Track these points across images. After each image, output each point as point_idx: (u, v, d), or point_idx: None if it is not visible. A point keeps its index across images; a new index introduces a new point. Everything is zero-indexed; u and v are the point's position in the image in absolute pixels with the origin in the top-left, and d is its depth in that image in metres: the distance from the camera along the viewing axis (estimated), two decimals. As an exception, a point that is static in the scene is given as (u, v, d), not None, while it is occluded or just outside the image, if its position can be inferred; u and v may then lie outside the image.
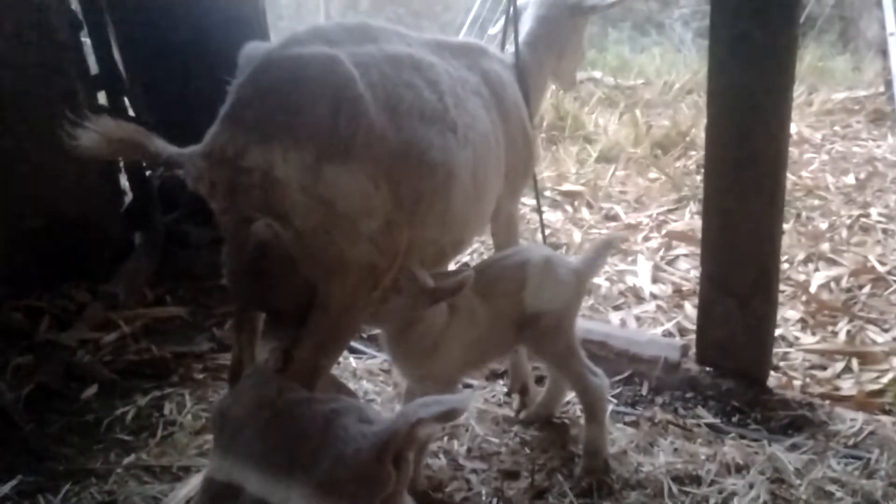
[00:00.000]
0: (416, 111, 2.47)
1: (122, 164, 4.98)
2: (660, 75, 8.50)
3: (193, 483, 2.83)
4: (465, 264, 4.11)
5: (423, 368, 2.71)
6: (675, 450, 2.88)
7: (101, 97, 4.83)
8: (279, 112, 2.20)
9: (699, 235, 4.95)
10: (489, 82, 2.94)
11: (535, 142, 3.24)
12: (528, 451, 2.98)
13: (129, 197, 5.06)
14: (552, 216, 5.42)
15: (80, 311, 4.15)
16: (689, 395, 3.29)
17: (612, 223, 5.33)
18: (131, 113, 4.90)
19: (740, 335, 3.22)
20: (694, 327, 3.87)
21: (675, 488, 2.67)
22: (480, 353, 2.82)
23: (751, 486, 2.64)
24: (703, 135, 6.57)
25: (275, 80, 2.23)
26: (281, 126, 2.19)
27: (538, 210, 3.73)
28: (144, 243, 4.82)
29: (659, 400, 3.29)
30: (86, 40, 4.77)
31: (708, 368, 3.35)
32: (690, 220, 5.26)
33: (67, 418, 3.33)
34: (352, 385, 3.50)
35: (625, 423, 3.10)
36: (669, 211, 5.47)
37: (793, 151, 6.08)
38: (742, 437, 2.98)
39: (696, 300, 4.20)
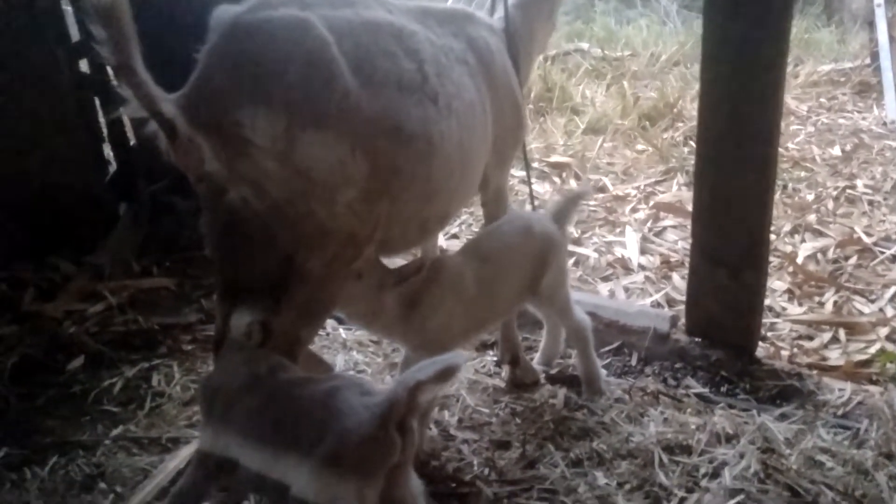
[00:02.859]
0: (392, 80, 2.40)
1: (105, 133, 4.89)
2: (646, 47, 8.42)
3: (183, 455, 2.78)
4: (454, 236, 4.05)
5: (412, 340, 2.67)
6: (666, 420, 2.87)
7: (83, 65, 4.70)
8: (249, 77, 2.13)
9: (687, 207, 4.96)
10: (476, 49, 2.86)
11: (524, 110, 3.18)
12: (518, 421, 2.96)
13: (113, 167, 4.97)
14: (540, 188, 5.37)
15: (65, 282, 4.08)
16: (678, 365, 3.27)
17: (600, 195, 5.28)
18: (114, 81, 4.77)
19: (730, 306, 3.20)
20: (682, 298, 3.87)
21: (665, 458, 2.65)
22: (477, 320, 2.78)
23: (741, 456, 2.62)
24: (689, 107, 6.59)
25: (244, 44, 2.16)
26: (251, 92, 2.12)
27: (528, 181, 3.67)
28: (130, 214, 4.73)
29: (648, 370, 3.27)
30: (67, 8, 4.65)
31: (697, 339, 3.33)
32: (678, 191, 5.23)
33: (54, 390, 3.28)
34: (341, 356, 3.47)
35: (615, 394, 3.07)
36: (657, 182, 5.43)
37: (779, 123, 6.05)
38: (731, 406, 2.97)
39: (684, 271, 4.20)
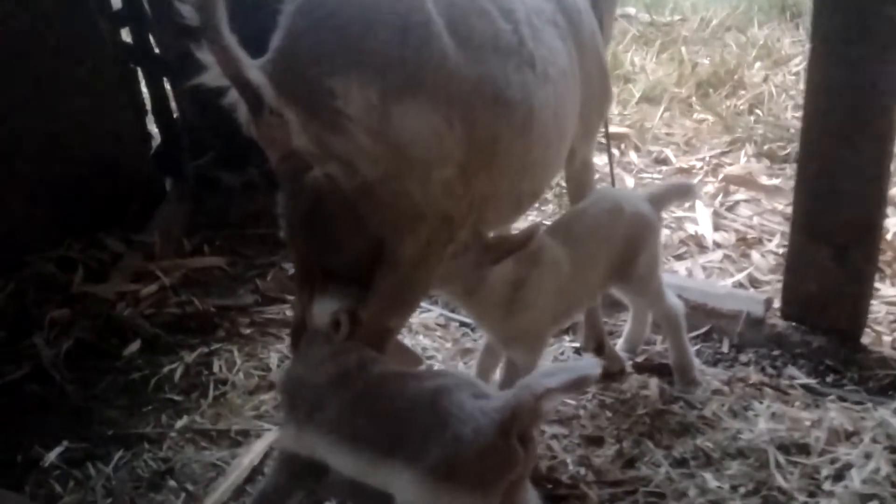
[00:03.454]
0: (489, 43, 2.17)
1: (148, 106, 4.68)
2: (696, 11, 8.04)
3: (256, 450, 2.59)
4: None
5: (507, 328, 2.44)
6: (774, 414, 2.63)
7: (125, 34, 4.48)
8: (338, 43, 1.90)
9: (759, 180, 4.71)
10: (565, 10, 2.60)
11: (609, 76, 2.92)
12: (609, 414, 2.73)
13: (156, 141, 4.77)
14: (599, 160, 5.08)
15: (115, 261, 3.89)
16: (775, 352, 3.02)
17: (664, 167, 5.00)
18: (156, 50, 4.55)
19: (834, 288, 2.95)
20: (767, 278, 3.62)
21: (781, 458, 2.42)
22: (567, 306, 2.55)
23: (867, 456, 2.39)
24: (749, 73, 6.26)
25: (332, 6, 1.93)
26: (340, 59, 1.90)
27: (608, 153, 3.42)
28: (175, 189, 4.53)
29: (743, 358, 3.03)
30: (108, -26, 4.42)
31: (795, 324, 3.08)
32: (747, 163, 4.93)
33: (112, 377, 3.09)
34: (408, 340, 3.25)
35: (712, 385, 2.83)
36: (723, 154, 5.13)
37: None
38: (842, 399, 2.72)
39: (763, 249, 3.95)
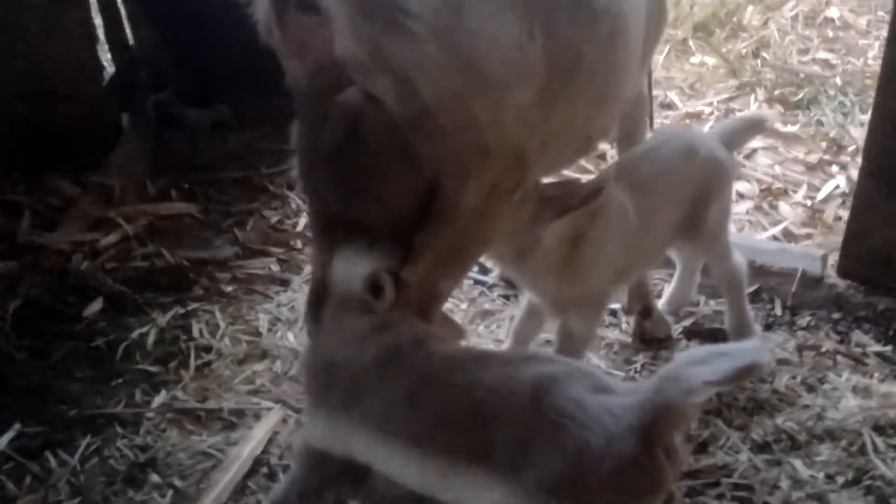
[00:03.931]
0: None
1: (99, 30, 4.06)
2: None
3: (258, 435, 2.13)
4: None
5: (563, 292, 2.02)
6: (856, 388, 2.27)
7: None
8: None
9: (776, 126, 4.35)
10: None
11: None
12: (666, 387, 2.34)
13: (110, 72, 4.15)
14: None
15: (67, 206, 3.33)
16: (835, 315, 2.66)
17: (669, 112, 4.60)
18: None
19: (906, 244, 2.59)
20: (803, 232, 3.27)
21: (879, 442, 2.07)
22: (631, 264, 2.14)
23: (980, 440, 2.05)
24: (750, 17, 5.88)
25: None
26: None
27: (648, 90, 2.99)
28: (133, 127, 3.94)
29: (801, 322, 2.66)
30: None
31: (855, 283, 2.72)
32: (758, 109, 4.56)
33: (71, 344, 2.57)
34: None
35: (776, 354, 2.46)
36: (730, 99, 4.75)
37: None
38: (924, 369, 2.38)
39: (790, 200, 3.60)
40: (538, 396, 1.33)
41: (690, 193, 2.21)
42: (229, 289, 2.92)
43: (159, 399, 2.32)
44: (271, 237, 3.24)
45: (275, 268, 3.07)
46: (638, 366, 2.44)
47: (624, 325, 2.64)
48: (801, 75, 4.85)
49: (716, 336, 2.54)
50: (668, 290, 2.68)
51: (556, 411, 1.30)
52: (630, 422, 1.27)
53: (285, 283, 2.96)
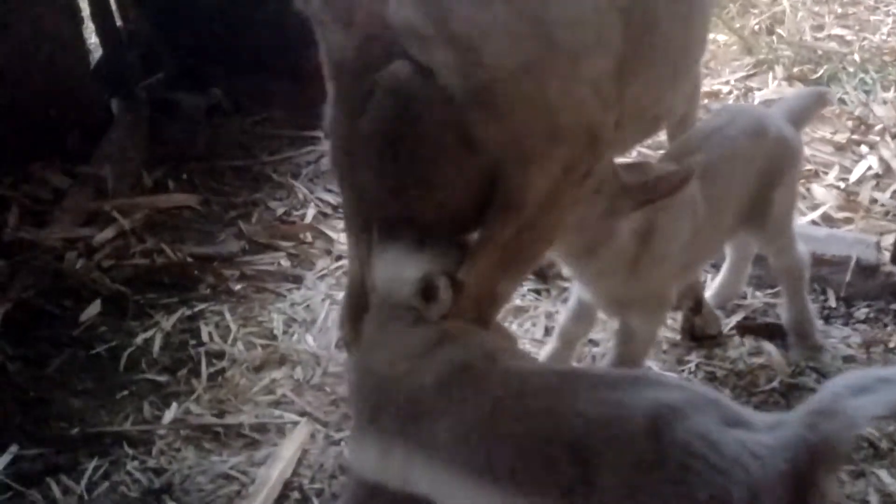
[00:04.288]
0: None
1: (84, 10, 3.78)
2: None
3: (286, 455, 1.90)
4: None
5: (628, 290, 1.80)
6: (935, 390, 2.07)
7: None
8: None
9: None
10: None
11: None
12: (727, 391, 2.14)
13: (97, 55, 3.87)
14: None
15: (57, 199, 3.06)
16: (895, 306, 2.47)
17: (684, 91, 4.38)
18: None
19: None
20: (843, 216, 3.06)
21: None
22: (696, 257, 1.94)
23: None
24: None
25: None
26: None
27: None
28: (124, 113, 3.67)
29: (859, 314, 2.46)
30: None
31: (914, 272, 2.53)
32: (778, 87, 4.35)
33: (69, 352, 2.33)
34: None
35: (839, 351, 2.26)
36: (747, 77, 4.54)
37: None
38: None
39: (824, 181, 3.39)
40: (656, 431, 1.11)
41: (759, 177, 2.00)
42: (238, 287, 2.68)
43: (171, 414, 2.08)
44: (279, 230, 2.99)
45: (285, 263, 2.83)
46: (692, 366, 2.23)
47: (670, 322, 2.42)
48: (819, 52, 4.65)
49: (772, 332, 2.34)
50: (716, 281, 2.47)
51: (682, 450, 1.08)
52: (779, 466, 1.05)
53: (297, 280, 2.72)
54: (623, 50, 1.39)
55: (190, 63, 3.87)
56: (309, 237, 2.95)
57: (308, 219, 3.04)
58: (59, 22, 3.48)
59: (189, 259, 2.77)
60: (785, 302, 2.31)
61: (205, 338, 2.40)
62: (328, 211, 3.09)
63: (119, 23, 3.80)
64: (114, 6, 3.74)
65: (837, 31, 5.00)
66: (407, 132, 1.38)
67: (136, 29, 3.89)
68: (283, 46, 3.47)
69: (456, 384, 1.27)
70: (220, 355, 2.32)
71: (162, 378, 2.23)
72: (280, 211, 3.12)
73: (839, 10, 5.37)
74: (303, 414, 2.06)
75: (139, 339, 2.37)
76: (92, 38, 3.87)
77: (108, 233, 2.87)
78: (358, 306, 1.59)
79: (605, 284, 1.82)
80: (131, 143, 3.44)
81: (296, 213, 3.11)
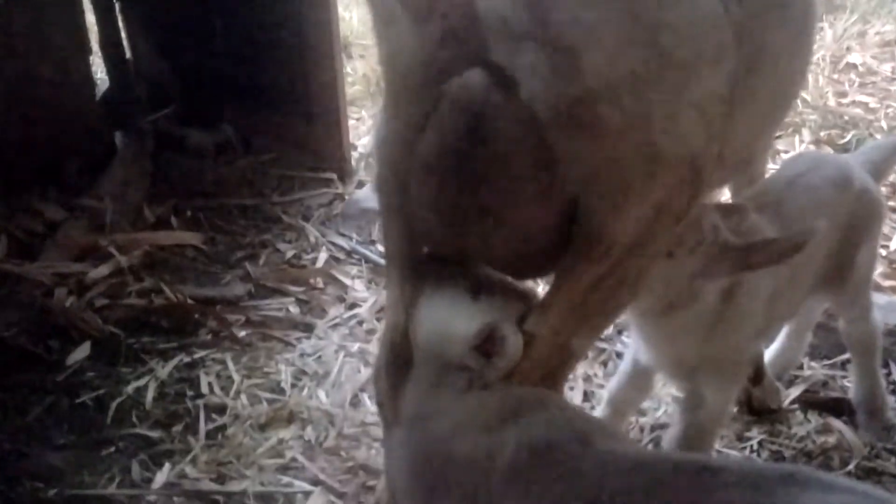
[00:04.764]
0: None
1: (93, 40, 3.58)
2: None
3: (297, 533, 1.62)
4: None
5: (704, 353, 1.55)
6: None
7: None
8: None
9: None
10: None
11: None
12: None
13: (103, 86, 3.66)
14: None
15: (50, 232, 2.81)
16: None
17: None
18: None
19: None
20: (888, 284, 2.83)
21: None
22: (773, 319, 1.70)
23: None
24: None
25: None
26: None
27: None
28: (128, 147, 3.44)
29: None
30: None
31: None
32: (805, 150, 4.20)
33: (51, 399, 2.05)
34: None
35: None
36: (774, 139, 4.38)
37: None
38: None
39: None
40: None
41: (842, 232, 1.77)
42: (242, 333, 2.41)
43: (163, 476, 1.80)
44: (288, 274, 2.74)
45: (294, 309, 2.57)
46: (755, 443, 1.97)
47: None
48: (845, 118, 4.51)
49: (840, 408, 2.08)
50: (773, 350, 2.22)
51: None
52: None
53: (308, 329, 2.46)
54: (735, 70, 1.17)
55: (200, 99, 3.68)
56: (320, 283, 2.70)
57: (320, 263, 2.80)
58: (66, 49, 3.28)
59: (190, 301, 2.51)
60: (855, 375, 2.06)
61: (204, 389, 2.13)
62: (341, 256, 2.85)
63: (128, 55, 3.62)
64: (124, 38, 3.56)
65: (860, 97, 4.89)
66: (476, 153, 1.15)
67: (144, 61, 3.70)
68: (296, 85, 3.30)
69: (535, 470, 1.00)
70: (220, 410, 2.05)
71: (154, 434, 1.95)
72: (290, 254, 2.87)
73: (858, 80, 5.28)
74: (316, 482, 1.78)
75: (130, 388, 2.10)
76: (101, 70, 3.67)
77: (103, 269, 2.61)
78: (397, 364, 1.33)
79: (676, 346, 1.57)
80: (133, 177, 3.21)
81: (306, 256, 2.87)
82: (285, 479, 1.79)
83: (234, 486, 1.75)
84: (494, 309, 1.21)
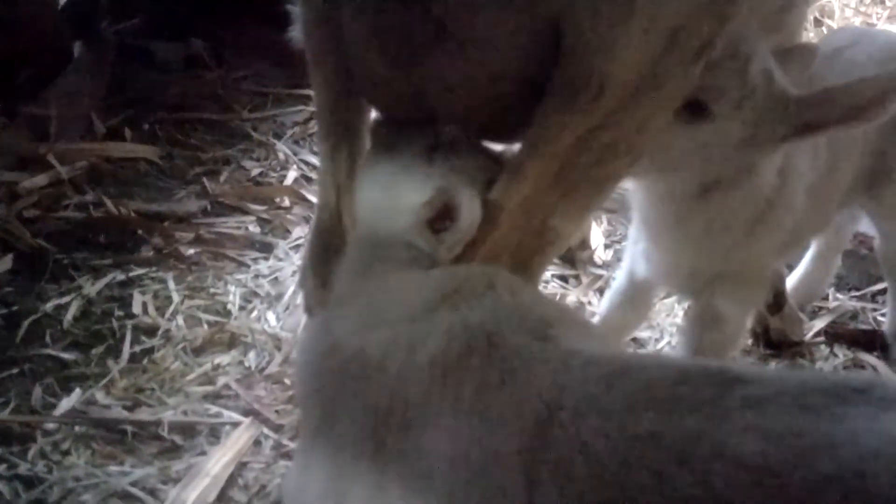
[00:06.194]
0: None
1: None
2: None
3: (213, 471, 1.31)
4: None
5: (733, 256, 1.23)
6: None
7: None
8: None
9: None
10: None
11: None
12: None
13: (66, -5, 3.31)
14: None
15: (-11, 140, 2.49)
16: None
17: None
18: None
19: None
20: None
21: None
22: (804, 228, 1.37)
23: None
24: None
25: None
26: None
27: None
28: (87, 55, 3.11)
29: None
30: None
31: None
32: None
33: (-44, 315, 1.74)
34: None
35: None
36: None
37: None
38: None
39: None
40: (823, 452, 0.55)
41: (884, 124, 1.43)
42: (191, 251, 2.10)
43: (69, 402, 1.49)
44: (250, 191, 2.42)
45: (253, 229, 2.25)
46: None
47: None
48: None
49: (871, 341, 1.76)
50: (796, 276, 1.89)
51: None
52: None
53: (267, 249, 2.15)
54: None
55: (169, 10, 3.35)
56: (286, 202, 2.38)
57: (288, 181, 2.48)
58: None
59: (133, 215, 2.19)
60: (890, 303, 1.74)
61: (136, 309, 1.81)
62: (312, 175, 2.53)
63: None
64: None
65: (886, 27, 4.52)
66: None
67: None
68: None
69: (468, 369, 0.69)
70: (151, 331, 1.74)
71: (69, 355, 1.64)
72: (255, 172, 2.55)
73: (886, 13, 4.91)
74: (248, 413, 1.47)
75: (49, 306, 1.78)
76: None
77: (40, 180, 2.29)
78: (330, 250, 1.01)
79: (707, 245, 1.23)
80: (86, 87, 2.86)
81: (273, 175, 2.54)
82: (213, 409, 1.49)
83: (146, 416, 1.44)
84: (453, 173, 0.88)
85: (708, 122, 1.05)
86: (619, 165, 0.94)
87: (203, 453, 1.37)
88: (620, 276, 1.52)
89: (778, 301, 1.74)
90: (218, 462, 1.31)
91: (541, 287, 2.00)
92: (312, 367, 0.84)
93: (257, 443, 1.41)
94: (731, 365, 0.83)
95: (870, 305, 1.93)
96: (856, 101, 1.06)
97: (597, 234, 2.20)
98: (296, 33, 1.06)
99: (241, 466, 1.34)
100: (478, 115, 0.89)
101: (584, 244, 2.11)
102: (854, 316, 1.89)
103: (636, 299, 1.48)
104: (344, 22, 0.93)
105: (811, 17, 4.40)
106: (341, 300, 0.86)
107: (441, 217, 0.86)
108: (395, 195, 0.91)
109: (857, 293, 1.98)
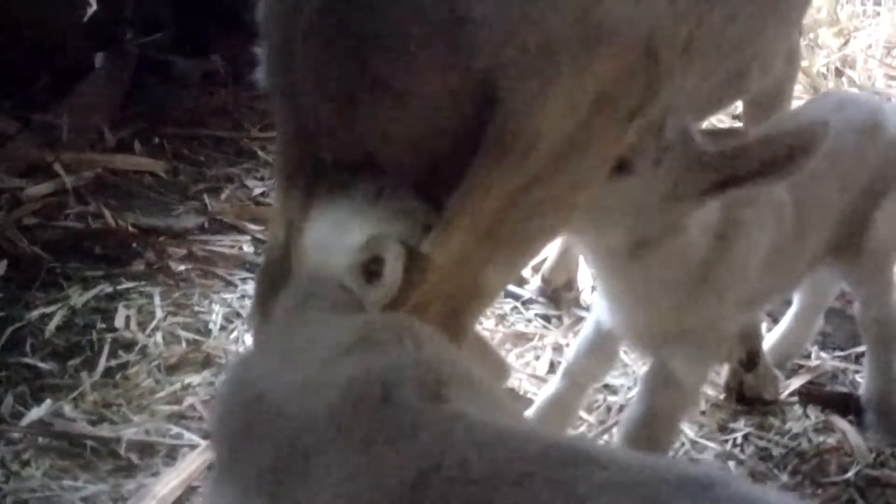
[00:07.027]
0: None
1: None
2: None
3: (160, 493, 1.33)
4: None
5: (683, 316, 1.23)
6: None
7: None
8: None
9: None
10: None
11: None
12: (783, 476, 1.54)
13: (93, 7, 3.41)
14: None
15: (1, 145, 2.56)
16: None
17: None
18: None
19: None
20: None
21: None
22: (772, 284, 1.37)
23: None
24: (825, 34, 5.13)
25: None
26: None
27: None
28: (107, 66, 3.19)
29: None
30: None
31: None
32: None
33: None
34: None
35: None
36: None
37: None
38: None
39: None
40: None
41: (861, 189, 1.43)
42: (181, 268, 2.13)
43: (38, 413, 1.52)
44: (248, 211, 2.46)
45: (247, 248, 2.29)
46: (739, 436, 1.64)
47: (722, 378, 1.82)
48: (893, 101, 4.11)
49: (845, 404, 1.74)
50: (776, 332, 1.88)
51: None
52: None
53: (257, 269, 2.17)
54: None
55: (193, 26, 3.44)
56: (283, 223, 2.41)
57: (288, 203, 2.51)
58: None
59: (131, 228, 2.24)
60: (868, 367, 1.72)
61: (118, 322, 1.85)
62: (313, 198, 2.56)
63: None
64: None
65: (911, 83, 4.47)
66: (363, 16, 0.85)
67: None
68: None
69: (360, 424, 0.70)
70: (129, 346, 1.77)
71: (45, 365, 1.67)
72: (257, 191, 2.59)
73: (908, 66, 4.85)
74: (207, 436, 1.49)
75: (35, 314, 1.83)
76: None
77: (44, 188, 2.36)
78: (276, 286, 1.03)
79: (653, 304, 1.24)
80: (102, 98, 2.95)
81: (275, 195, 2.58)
82: (175, 430, 1.51)
83: (108, 432, 1.47)
84: (390, 221, 0.90)
85: (631, 177, 1.06)
86: (551, 222, 0.95)
87: (157, 474, 1.39)
88: (588, 324, 1.52)
89: (752, 359, 1.73)
90: (167, 485, 1.33)
91: (522, 326, 2.03)
92: (225, 404, 0.86)
93: (211, 467, 1.43)
94: (590, 447, 0.83)
95: (852, 367, 1.91)
96: (769, 156, 1.07)
97: (585, 276, 2.20)
98: (259, 75, 1.08)
99: (191, 491, 1.36)
100: (416, 167, 0.91)
101: (571, 285, 2.11)
102: (834, 376, 1.87)
103: (603, 349, 1.48)
104: (294, 70, 0.96)
105: (832, 68, 4.38)
106: (270, 337, 0.88)
107: (375, 262, 0.88)
108: (335, 235, 0.93)
109: (841, 353, 1.95)
